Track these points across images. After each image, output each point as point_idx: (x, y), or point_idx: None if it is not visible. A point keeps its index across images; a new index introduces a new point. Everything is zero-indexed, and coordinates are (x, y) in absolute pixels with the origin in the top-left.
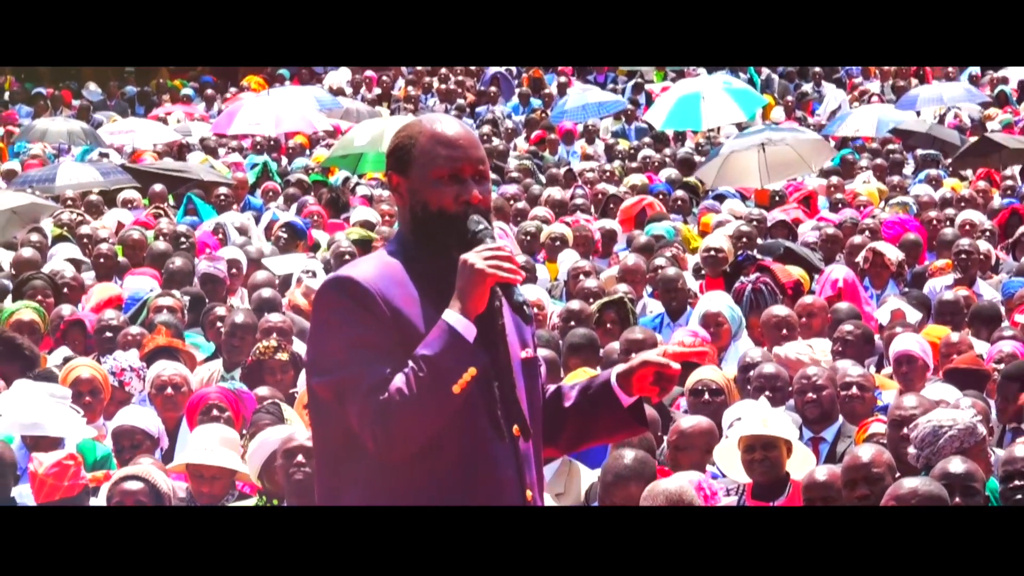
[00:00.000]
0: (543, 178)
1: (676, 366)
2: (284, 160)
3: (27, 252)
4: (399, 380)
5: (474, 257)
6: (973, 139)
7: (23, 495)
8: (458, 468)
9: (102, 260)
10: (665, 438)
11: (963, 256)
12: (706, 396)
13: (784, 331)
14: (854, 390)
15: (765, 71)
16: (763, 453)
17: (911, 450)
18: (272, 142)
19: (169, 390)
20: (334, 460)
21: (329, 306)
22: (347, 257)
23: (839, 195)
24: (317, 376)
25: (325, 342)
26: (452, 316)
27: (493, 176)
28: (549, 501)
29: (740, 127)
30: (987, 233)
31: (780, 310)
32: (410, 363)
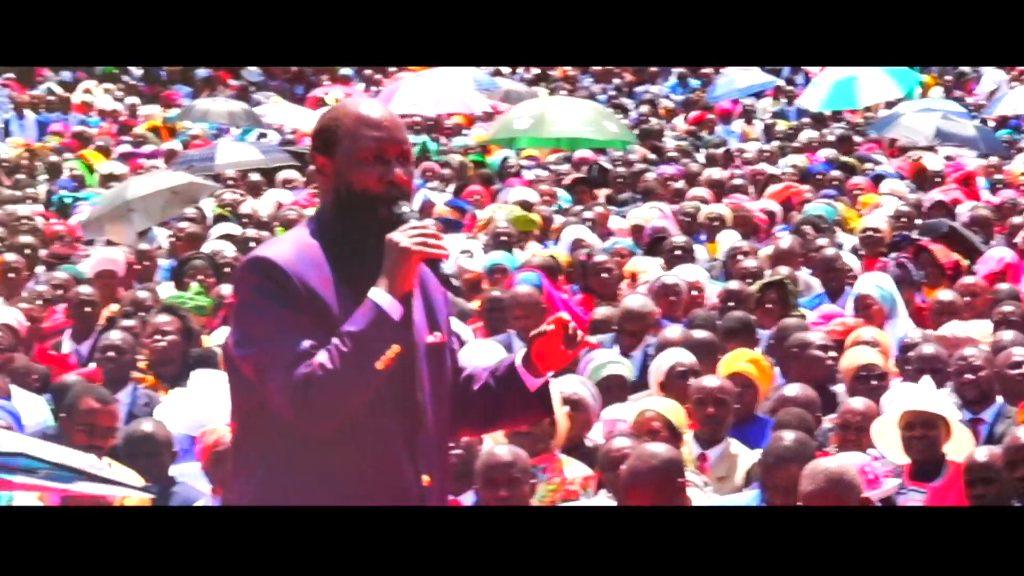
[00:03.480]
0: (701, 158)
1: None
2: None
3: (188, 228)
4: (322, 355)
5: (399, 235)
6: None
7: (184, 474)
8: (355, 448)
9: (252, 246)
10: (825, 420)
11: None
12: (873, 382)
13: (948, 317)
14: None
15: None
16: (923, 431)
17: None
18: (431, 122)
19: None
20: (248, 433)
21: (248, 285)
22: (503, 238)
23: (999, 176)
24: (239, 350)
25: (246, 320)
26: (378, 294)
27: (651, 155)
28: (697, 485)
29: (890, 104)
30: None
31: (945, 295)
32: (335, 339)
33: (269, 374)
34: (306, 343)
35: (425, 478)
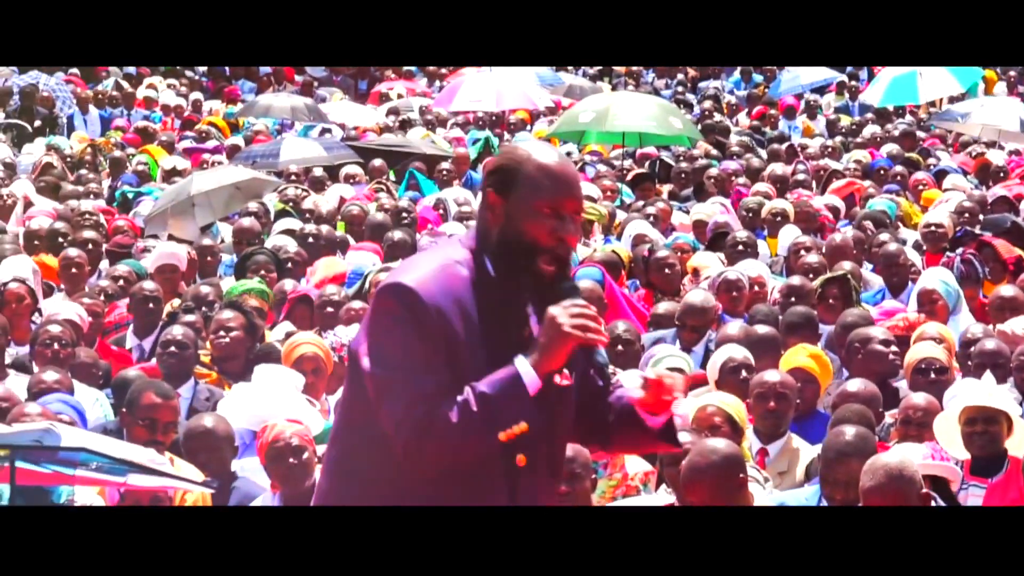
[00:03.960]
0: (764, 153)
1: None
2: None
3: (247, 222)
4: (449, 406)
5: (562, 316)
6: None
7: (245, 468)
8: (454, 480)
9: (311, 241)
10: (887, 415)
11: None
12: (932, 375)
13: (1010, 312)
14: None
15: None
16: (984, 426)
17: None
18: (494, 117)
19: None
20: (349, 434)
21: (386, 310)
22: None
23: None
24: (366, 364)
25: (378, 341)
26: (524, 366)
27: (715, 151)
28: (757, 481)
29: (953, 100)
30: None
31: (1007, 290)
32: (467, 392)
33: (388, 402)
34: (432, 383)
35: None
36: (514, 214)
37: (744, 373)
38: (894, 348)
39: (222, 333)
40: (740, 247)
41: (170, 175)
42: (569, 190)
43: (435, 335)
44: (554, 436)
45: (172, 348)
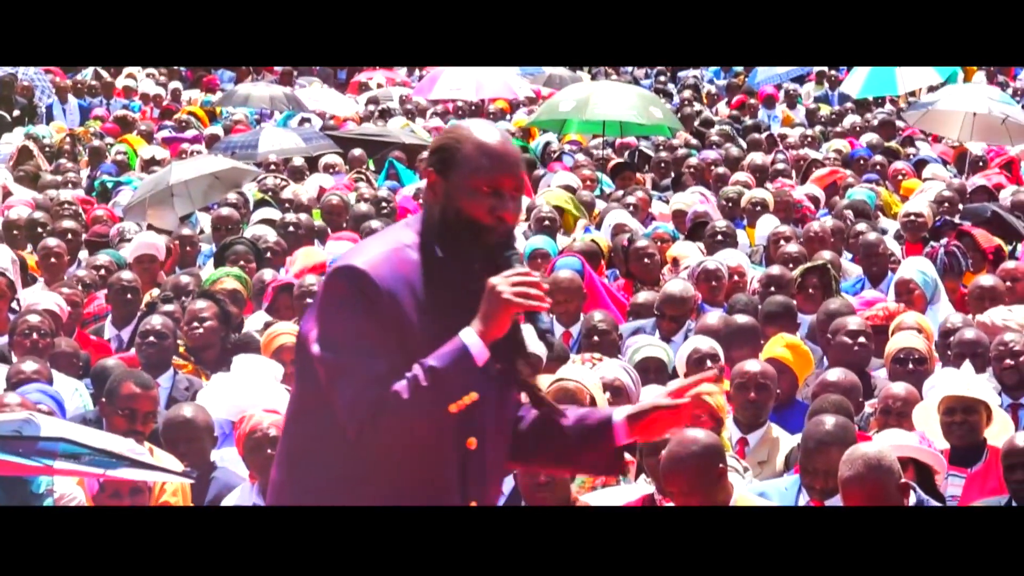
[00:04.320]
0: (743, 143)
1: (685, 402)
2: None
3: (226, 211)
4: (400, 384)
5: (502, 283)
6: None
7: (225, 458)
8: (404, 466)
9: (291, 231)
10: (867, 404)
11: None
12: (910, 365)
13: (989, 302)
14: None
15: None
16: (963, 416)
17: None
18: (474, 106)
19: None
20: (301, 420)
21: (337, 293)
22: (547, 223)
23: None
24: (317, 349)
25: (329, 324)
26: (470, 337)
27: (694, 141)
28: (737, 471)
29: (932, 89)
30: None
31: (986, 280)
32: (416, 369)
33: (340, 385)
34: (383, 365)
35: (473, 504)
36: (453, 193)
37: (709, 364)
38: (862, 339)
39: (196, 324)
40: (719, 237)
41: (149, 164)
42: (507, 168)
43: (386, 317)
44: (501, 424)
45: (151, 338)
